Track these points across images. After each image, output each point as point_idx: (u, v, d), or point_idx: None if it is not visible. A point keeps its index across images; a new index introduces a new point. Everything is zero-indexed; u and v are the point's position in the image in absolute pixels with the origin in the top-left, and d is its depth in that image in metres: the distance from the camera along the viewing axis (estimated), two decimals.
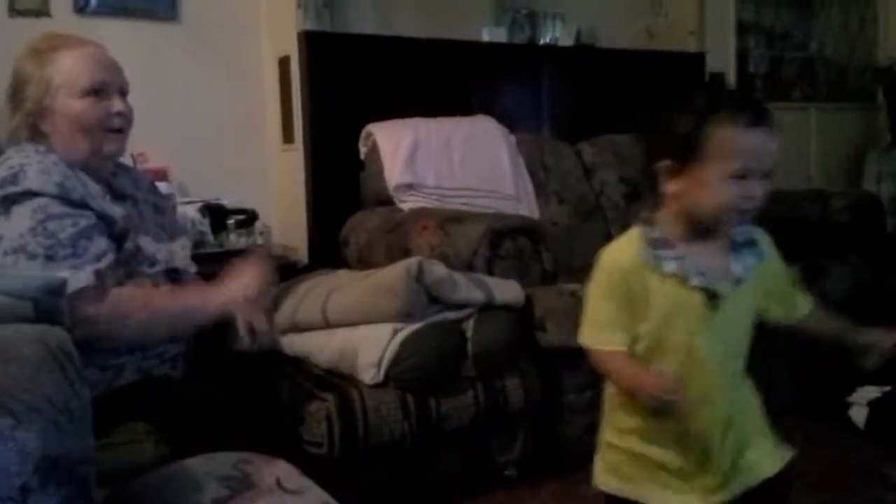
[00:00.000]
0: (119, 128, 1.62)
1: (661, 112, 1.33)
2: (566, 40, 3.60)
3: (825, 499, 2.07)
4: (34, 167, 1.51)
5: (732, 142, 1.23)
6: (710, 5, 3.96)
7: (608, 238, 3.14)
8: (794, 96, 4.49)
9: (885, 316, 1.54)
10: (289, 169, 3.05)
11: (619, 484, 1.37)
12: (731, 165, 1.23)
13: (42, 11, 2.68)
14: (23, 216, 1.47)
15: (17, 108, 1.60)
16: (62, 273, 1.27)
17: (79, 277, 1.44)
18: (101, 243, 1.53)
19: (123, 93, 1.64)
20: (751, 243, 1.35)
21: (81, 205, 1.53)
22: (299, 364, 2.08)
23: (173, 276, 1.67)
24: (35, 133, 1.58)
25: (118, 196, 1.66)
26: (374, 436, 1.91)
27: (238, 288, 1.64)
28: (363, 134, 2.91)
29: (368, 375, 1.95)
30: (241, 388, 1.66)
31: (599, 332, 1.32)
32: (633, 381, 1.28)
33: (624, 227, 3.38)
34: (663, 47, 3.89)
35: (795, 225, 3.14)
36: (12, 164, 1.52)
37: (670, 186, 1.30)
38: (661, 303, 1.29)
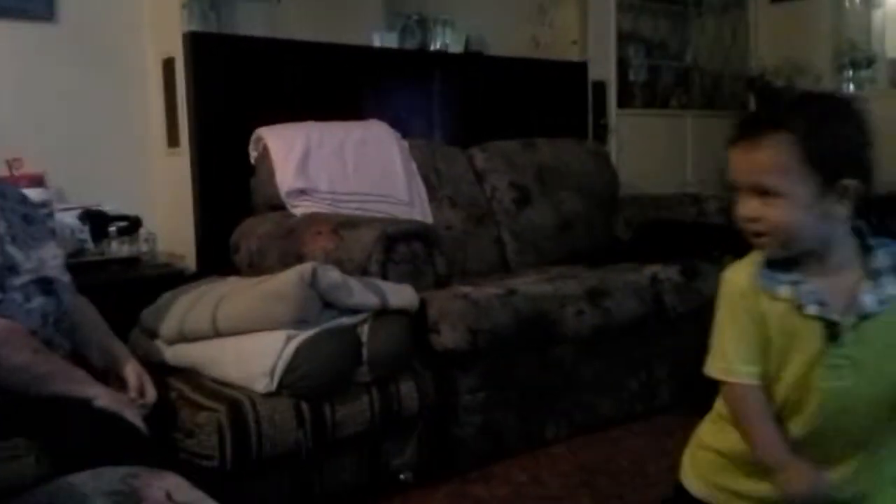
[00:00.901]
0: None
1: None
2: (456, 47, 3.66)
3: None
4: None
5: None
6: (592, 16, 4.09)
7: (500, 242, 3.24)
8: (671, 104, 4.70)
9: None
10: (174, 174, 2.97)
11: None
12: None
13: None
14: None
15: None
16: None
17: None
18: None
19: None
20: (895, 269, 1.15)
21: None
22: (188, 375, 2.03)
23: (45, 285, 1.60)
24: None
25: None
26: (268, 446, 1.88)
27: (115, 399, 1.54)
28: (253, 138, 2.87)
29: (261, 384, 1.92)
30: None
31: (728, 361, 1.20)
32: (772, 459, 1.16)
33: (514, 232, 3.47)
34: (548, 56, 4.01)
35: (672, 227, 3.30)
36: None
37: None
38: (774, 332, 1.17)
